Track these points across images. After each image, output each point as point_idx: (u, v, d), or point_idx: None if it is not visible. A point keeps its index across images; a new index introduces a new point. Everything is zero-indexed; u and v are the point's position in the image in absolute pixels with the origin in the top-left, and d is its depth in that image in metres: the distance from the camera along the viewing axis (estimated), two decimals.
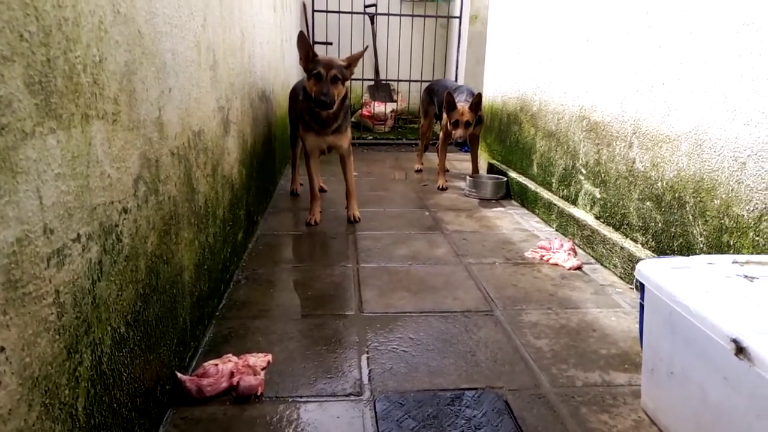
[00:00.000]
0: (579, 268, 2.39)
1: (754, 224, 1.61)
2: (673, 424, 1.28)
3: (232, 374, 1.47)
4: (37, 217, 0.77)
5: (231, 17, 2.15)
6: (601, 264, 2.44)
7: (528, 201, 3.38)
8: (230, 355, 1.56)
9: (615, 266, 2.33)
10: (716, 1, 1.78)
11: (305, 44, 2.76)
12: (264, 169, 3.10)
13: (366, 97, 6.62)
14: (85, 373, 0.91)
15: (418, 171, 4.55)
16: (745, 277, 1.27)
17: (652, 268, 1.32)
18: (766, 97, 1.57)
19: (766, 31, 1.58)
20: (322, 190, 3.61)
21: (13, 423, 0.71)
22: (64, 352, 0.84)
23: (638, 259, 2.12)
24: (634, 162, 2.26)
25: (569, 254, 2.48)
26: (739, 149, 1.67)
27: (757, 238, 1.60)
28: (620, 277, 2.29)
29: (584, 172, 2.72)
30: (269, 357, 1.60)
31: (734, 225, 1.69)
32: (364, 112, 6.40)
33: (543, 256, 2.50)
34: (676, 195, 1.98)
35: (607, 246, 2.39)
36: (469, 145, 4.14)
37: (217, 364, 1.50)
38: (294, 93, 3.45)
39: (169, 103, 1.36)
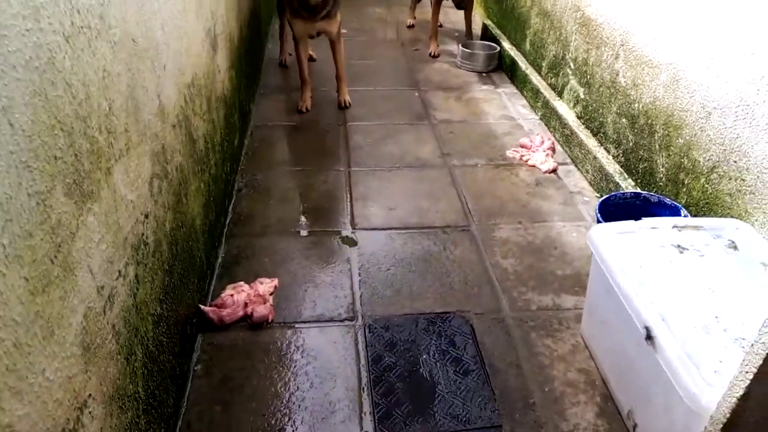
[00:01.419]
0: (554, 170, 2.58)
1: (707, 172, 1.79)
2: (599, 356, 1.62)
3: (246, 304, 1.76)
4: (92, 287, 0.96)
5: None
6: (576, 165, 2.63)
7: (518, 80, 3.40)
8: (242, 283, 1.84)
9: (587, 171, 2.52)
10: None
11: None
12: (252, 50, 3.06)
13: None
14: (139, 363, 1.18)
15: (410, 26, 4.41)
16: (678, 247, 1.50)
17: (600, 236, 1.54)
18: (741, 58, 1.62)
19: None
20: (311, 59, 3.58)
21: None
22: (124, 361, 1.10)
23: (607, 172, 2.32)
24: (617, 74, 2.32)
25: (547, 155, 2.65)
26: (708, 99, 1.77)
27: (706, 186, 1.79)
28: (590, 183, 2.50)
29: (572, 66, 2.74)
30: (275, 282, 1.88)
31: (691, 167, 1.86)
32: None
33: (522, 156, 2.67)
34: (649, 122, 2.09)
35: (583, 150, 2.55)
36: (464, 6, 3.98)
37: (232, 294, 1.78)
38: None
39: (165, 82, 1.43)
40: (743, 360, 0.97)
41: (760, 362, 0.93)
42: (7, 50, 0.72)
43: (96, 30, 0.99)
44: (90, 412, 0.95)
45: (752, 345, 0.95)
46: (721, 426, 1.03)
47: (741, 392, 0.97)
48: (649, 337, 1.28)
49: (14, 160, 0.73)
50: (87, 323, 0.94)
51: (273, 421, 1.46)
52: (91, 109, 0.97)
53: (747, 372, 0.96)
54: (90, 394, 0.95)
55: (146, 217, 1.26)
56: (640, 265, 1.44)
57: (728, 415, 1.00)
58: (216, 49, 2.08)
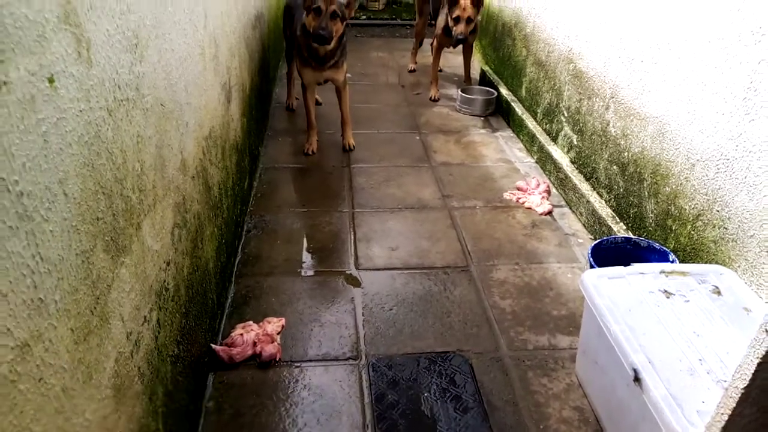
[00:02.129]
0: (550, 213, 2.69)
1: (692, 219, 1.89)
2: (592, 395, 1.70)
3: (254, 343, 1.85)
4: (122, 333, 1.06)
5: None
6: (570, 208, 2.74)
7: (514, 124, 3.55)
8: (251, 322, 1.93)
9: (581, 214, 2.63)
10: (695, 2, 1.86)
11: None
12: (261, 93, 3.22)
13: None
14: (160, 402, 1.27)
15: (412, 71, 4.59)
16: (665, 292, 1.59)
17: (591, 280, 1.64)
18: (720, 116, 1.75)
19: (732, 48, 1.70)
20: (317, 103, 3.73)
21: None
22: (147, 400, 1.19)
23: (600, 216, 2.42)
24: (608, 124, 2.45)
25: (543, 197, 2.76)
26: (692, 151, 1.89)
27: (692, 232, 1.89)
28: (584, 226, 2.60)
29: (566, 114, 2.88)
30: (282, 321, 1.97)
31: (678, 214, 1.97)
32: None
33: (519, 198, 2.78)
34: (638, 170, 2.21)
35: (577, 194, 2.66)
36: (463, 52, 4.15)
37: (241, 334, 1.87)
38: (288, 9, 3.41)
39: (187, 138, 1.55)
40: (719, 402, 1.06)
41: (734, 405, 1.02)
42: (65, 130, 0.83)
43: (133, 101, 1.11)
44: None
45: (726, 389, 1.03)
46: None
47: None
48: (636, 378, 1.36)
49: (66, 225, 0.84)
50: (118, 367, 1.03)
51: None
52: (126, 172, 1.08)
53: (722, 413, 1.05)
54: None
55: (168, 264, 1.36)
56: (629, 309, 1.53)
57: None
58: (230, 100, 2.22)
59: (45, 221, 0.77)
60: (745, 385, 0.98)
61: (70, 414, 0.84)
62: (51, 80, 0.79)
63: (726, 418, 1.04)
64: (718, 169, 1.75)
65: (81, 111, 0.88)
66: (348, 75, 3.28)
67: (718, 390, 1.30)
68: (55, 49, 0.80)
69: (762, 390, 0.98)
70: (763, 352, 0.92)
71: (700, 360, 1.38)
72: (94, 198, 0.93)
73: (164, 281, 1.32)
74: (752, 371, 0.95)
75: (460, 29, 3.58)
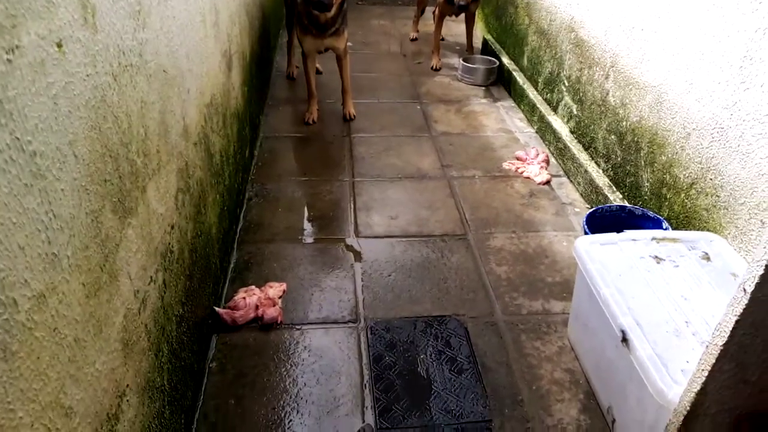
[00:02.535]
0: (548, 182, 2.72)
1: (686, 188, 1.92)
2: (583, 357, 1.76)
3: (257, 306, 1.90)
4: (130, 291, 1.10)
5: None
6: (568, 177, 2.77)
7: (515, 94, 3.55)
8: (253, 287, 1.98)
9: (578, 184, 2.66)
10: None
11: None
12: (262, 64, 3.21)
13: None
14: (166, 359, 1.32)
15: (414, 40, 4.56)
16: (655, 258, 1.64)
17: (584, 246, 1.68)
18: (716, 84, 1.76)
19: (730, 16, 1.71)
20: (318, 72, 3.72)
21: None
22: (153, 356, 1.24)
23: (597, 185, 2.45)
24: (608, 94, 2.46)
25: (541, 167, 2.79)
26: (688, 120, 1.91)
27: (685, 201, 1.93)
28: (581, 195, 2.63)
29: (567, 84, 2.89)
30: (284, 286, 2.02)
31: (672, 183, 2.00)
32: None
33: (518, 168, 2.81)
34: (635, 139, 2.23)
35: (575, 164, 2.69)
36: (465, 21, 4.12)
37: (244, 297, 1.92)
38: None
39: (189, 104, 1.57)
40: (699, 359, 1.11)
41: (713, 361, 1.07)
42: (73, 94, 0.86)
43: (136, 67, 1.13)
44: (128, 401, 1.09)
45: (707, 346, 1.08)
46: (683, 417, 1.17)
47: (698, 387, 1.11)
48: (624, 339, 1.41)
49: (76, 185, 0.88)
50: (126, 322, 1.08)
51: (282, 414, 1.60)
52: (131, 136, 1.11)
53: (703, 370, 1.10)
54: (128, 385, 1.09)
55: (172, 228, 1.40)
56: (620, 274, 1.58)
57: (688, 408, 1.14)
58: (231, 68, 2.23)
59: (57, 180, 0.81)
60: (724, 342, 1.03)
61: (81, 363, 0.89)
62: (59, 45, 0.82)
63: (706, 374, 1.10)
64: (713, 137, 1.78)
65: (88, 75, 0.91)
66: (349, 44, 3.27)
67: (702, 350, 1.36)
68: (63, 15, 0.83)
69: (740, 347, 1.03)
70: (741, 310, 0.97)
71: (687, 322, 1.43)
72: (102, 160, 0.97)
73: (169, 244, 1.37)
74: (730, 328, 1.00)
75: None
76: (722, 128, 1.74)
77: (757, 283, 0.93)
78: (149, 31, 1.22)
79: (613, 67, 2.41)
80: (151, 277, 1.23)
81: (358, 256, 2.20)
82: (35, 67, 0.76)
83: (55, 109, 0.81)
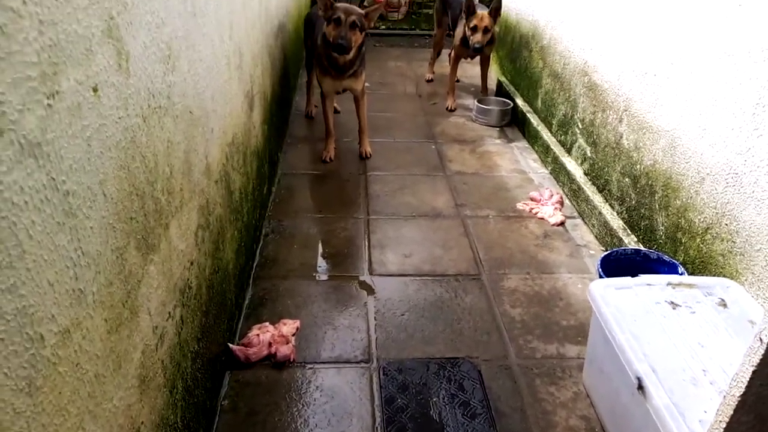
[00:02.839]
0: (562, 223, 2.72)
1: (701, 233, 1.92)
2: (599, 403, 1.73)
3: (270, 344, 1.91)
4: (149, 326, 1.12)
5: None
6: (582, 219, 2.77)
7: (529, 135, 3.59)
8: (267, 324, 1.99)
9: (593, 225, 2.66)
10: (707, 19, 1.89)
11: None
12: (282, 103, 3.30)
13: None
14: (180, 396, 1.33)
15: (429, 81, 4.66)
16: (671, 303, 1.62)
17: (599, 290, 1.67)
18: (730, 131, 1.78)
19: (742, 64, 1.74)
20: (335, 111, 3.81)
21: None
22: (168, 393, 1.25)
23: (612, 228, 2.45)
24: (621, 137, 2.48)
25: (556, 208, 2.80)
26: (702, 165, 1.92)
27: (701, 245, 1.92)
28: (596, 237, 2.63)
29: (580, 126, 2.92)
30: (297, 323, 2.03)
31: (688, 227, 1.99)
32: None
33: (532, 209, 2.82)
34: (649, 182, 2.24)
35: (589, 206, 2.69)
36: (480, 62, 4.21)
37: (258, 334, 1.93)
38: (308, 20, 3.50)
39: (212, 143, 1.62)
40: (717, 410, 1.09)
41: (731, 412, 1.05)
42: (105, 136, 0.90)
43: (165, 108, 1.18)
44: None
45: (724, 397, 1.07)
46: None
47: None
48: (640, 387, 1.39)
49: (104, 223, 0.91)
50: (144, 359, 1.10)
51: None
52: (157, 175, 1.15)
53: (721, 421, 1.08)
54: (142, 422, 1.10)
55: (191, 264, 1.43)
56: (635, 319, 1.57)
57: None
58: (252, 107, 2.30)
59: (87, 218, 0.84)
60: (741, 392, 1.01)
61: (100, 399, 0.91)
62: (95, 90, 0.86)
63: (724, 426, 1.08)
64: (727, 183, 1.78)
65: (120, 118, 0.96)
66: (366, 84, 3.36)
67: (720, 401, 1.33)
68: (99, 61, 0.88)
69: (758, 398, 1.01)
70: (758, 360, 0.96)
71: (704, 370, 1.41)
72: (129, 199, 1.00)
73: (188, 280, 1.39)
74: (747, 379, 0.99)
75: (476, 38, 3.65)
76: (736, 174, 1.74)
77: None
78: (178, 74, 1.28)
79: (626, 111, 2.44)
80: (169, 313, 1.25)
81: (371, 293, 2.21)
82: (72, 111, 0.80)
83: (88, 151, 0.85)
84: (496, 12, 3.64)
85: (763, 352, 0.96)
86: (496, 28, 4.16)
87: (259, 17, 2.46)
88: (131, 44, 1.00)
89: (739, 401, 1.02)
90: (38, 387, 0.72)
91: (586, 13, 2.85)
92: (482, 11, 3.65)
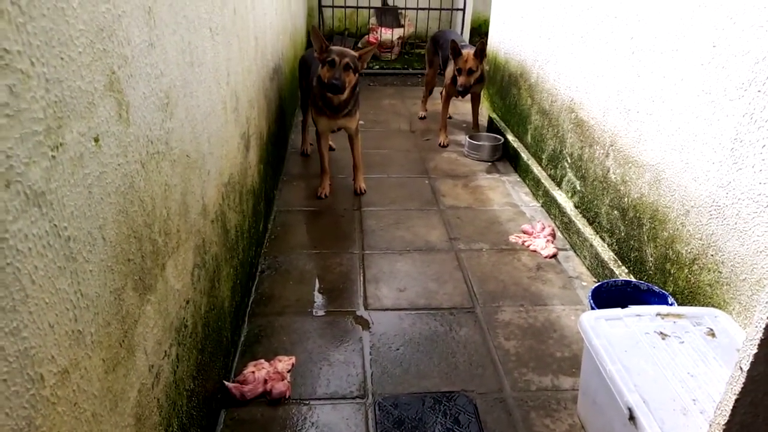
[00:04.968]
0: (555, 256, 2.76)
1: (689, 263, 1.96)
2: None
3: (265, 381, 1.92)
4: (145, 365, 1.15)
5: (246, 31, 2.32)
6: (574, 251, 2.81)
7: (520, 169, 3.66)
8: (263, 360, 2.00)
9: (585, 257, 2.70)
10: (684, 58, 1.98)
11: (319, 38, 2.93)
12: (278, 140, 3.37)
13: (372, 21, 6.56)
14: (176, 426, 1.34)
15: (422, 118, 4.76)
16: (660, 334, 1.65)
17: (589, 321, 1.70)
18: (711, 162, 1.84)
19: (719, 102, 1.81)
20: (330, 149, 3.89)
21: None
22: (163, 430, 1.26)
23: (603, 259, 2.49)
24: (609, 171, 2.54)
25: (548, 240, 2.84)
26: (687, 198, 1.97)
27: (689, 276, 1.95)
28: (587, 269, 2.66)
29: (569, 160, 2.99)
30: (293, 360, 2.04)
31: (675, 258, 2.03)
32: (371, 38, 6.39)
33: (525, 241, 2.86)
34: (637, 215, 2.29)
35: (581, 238, 2.74)
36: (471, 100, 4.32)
37: (253, 372, 1.94)
38: (304, 62, 3.61)
39: (208, 185, 1.67)
40: None
41: None
42: (106, 182, 0.95)
43: (162, 154, 1.23)
44: None
45: (710, 425, 1.09)
46: None
47: None
48: (631, 417, 1.41)
49: (103, 266, 0.94)
50: (140, 397, 1.12)
51: None
52: (155, 217, 1.19)
53: None
54: None
55: (187, 302, 1.45)
56: (625, 350, 1.59)
57: None
58: (248, 148, 2.36)
59: (86, 262, 0.88)
60: (726, 421, 1.03)
61: None
62: (96, 140, 0.91)
63: None
64: (711, 215, 1.83)
65: (119, 165, 1.00)
66: (360, 122, 3.45)
67: (706, 430, 1.35)
68: (101, 113, 0.93)
69: (742, 426, 1.04)
70: (739, 389, 0.98)
71: (694, 400, 1.43)
72: (127, 241, 1.04)
73: (184, 318, 1.42)
74: (731, 407, 1.01)
75: (461, 81, 3.77)
76: (719, 206, 1.80)
77: (751, 362, 0.95)
78: (175, 120, 1.34)
79: (612, 146, 2.51)
80: (165, 352, 1.27)
81: (366, 328, 2.23)
82: (75, 161, 0.85)
83: (89, 197, 0.89)
84: (480, 53, 3.76)
85: (744, 380, 0.99)
86: (487, 67, 4.29)
87: (254, 61, 2.54)
88: (131, 95, 1.05)
89: (723, 429, 1.04)
90: (37, 426, 0.75)
91: (570, 53, 2.96)
92: (468, 51, 3.77)
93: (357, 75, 3.02)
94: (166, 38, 1.25)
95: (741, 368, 0.99)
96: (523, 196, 3.43)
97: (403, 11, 6.60)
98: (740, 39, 1.71)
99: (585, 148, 2.79)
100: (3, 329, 0.67)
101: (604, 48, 2.58)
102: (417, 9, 6.10)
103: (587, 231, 2.70)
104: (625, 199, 2.39)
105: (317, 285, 2.50)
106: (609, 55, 2.54)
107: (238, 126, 2.13)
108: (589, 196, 2.74)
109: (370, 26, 6.52)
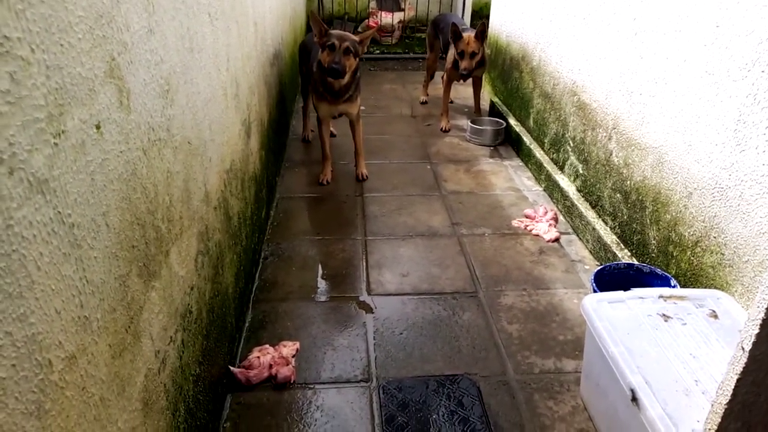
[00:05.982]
0: (557, 240, 2.76)
1: (691, 246, 1.96)
2: (596, 416, 1.75)
3: (270, 366, 1.93)
4: (151, 351, 1.16)
5: (245, 16, 2.31)
6: (577, 235, 2.81)
7: (523, 154, 3.65)
8: (267, 346, 2.02)
9: (587, 241, 2.70)
10: (687, 39, 1.96)
11: (318, 22, 2.91)
12: (279, 126, 3.37)
13: (372, 5, 6.51)
14: (182, 419, 1.36)
15: (424, 103, 4.73)
16: (663, 315, 1.66)
17: (592, 304, 1.71)
18: (714, 144, 1.83)
19: (722, 83, 1.79)
20: (332, 135, 3.87)
21: None
22: (170, 416, 1.28)
23: (605, 243, 2.49)
24: (611, 154, 2.54)
25: (550, 225, 2.84)
26: (689, 180, 1.96)
27: (692, 258, 1.96)
28: (590, 252, 2.67)
29: (572, 144, 2.98)
30: (297, 345, 2.06)
31: (678, 240, 2.03)
32: (371, 23, 6.34)
33: (527, 226, 2.86)
34: (640, 198, 2.29)
35: (583, 221, 2.74)
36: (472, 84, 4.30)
37: (258, 357, 1.96)
38: (304, 47, 3.59)
39: (210, 172, 1.67)
40: (706, 418, 1.12)
41: (719, 420, 1.08)
42: (108, 169, 0.95)
43: (164, 141, 1.23)
44: None
45: (712, 405, 1.10)
46: None
47: None
48: (634, 398, 1.42)
49: (107, 252, 0.95)
50: (147, 382, 1.13)
51: None
52: (157, 204, 1.20)
53: (710, 429, 1.11)
54: None
55: (192, 289, 1.46)
56: (628, 332, 1.60)
57: None
58: (250, 134, 2.36)
59: (91, 249, 0.88)
60: (728, 400, 1.04)
61: (105, 422, 0.94)
62: (98, 127, 0.91)
63: None
64: (714, 197, 1.83)
65: (121, 152, 1.00)
66: (362, 108, 3.43)
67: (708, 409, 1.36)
68: (102, 100, 0.93)
69: (744, 405, 1.04)
70: (741, 369, 0.99)
71: (696, 381, 1.44)
72: (131, 228, 1.05)
73: (188, 305, 1.43)
74: (732, 387, 1.02)
75: (464, 65, 3.75)
76: (722, 188, 1.79)
77: (753, 342, 0.96)
78: (176, 107, 1.33)
79: (615, 128, 2.50)
80: (170, 338, 1.28)
81: (370, 313, 2.24)
82: (77, 148, 0.85)
83: (92, 185, 0.89)
84: (481, 35, 3.73)
85: (745, 360, 0.99)
86: (488, 51, 4.26)
87: (254, 47, 2.53)
88: (132, 82, 1.05)
89: (726, 409, 1.05)
90: (47, 410, 0.76)
91: (572, 35, 2.93)
92: (469, 34, 3.74)
93: (357, 59, 3.00)
94: (165, 24, 1.25)
95: (743, 348, 0.99)
96: (525, 180, 3.42)
97: None
98: (744, 18, 1.69)
99: (588, 132, 2.78)
100: (10, 315, 0.68)
101: (607, 29, 2.56)
102: None
103: (590, 214, 2.70)
104: (628, 182, 2.38)
105: (320, 271, 2.51)
106: (611, 37, 2.52)
107: (238, 112, 2.12)
108: (592, 180, 2.74)
109: (370, 10, 6.47)
